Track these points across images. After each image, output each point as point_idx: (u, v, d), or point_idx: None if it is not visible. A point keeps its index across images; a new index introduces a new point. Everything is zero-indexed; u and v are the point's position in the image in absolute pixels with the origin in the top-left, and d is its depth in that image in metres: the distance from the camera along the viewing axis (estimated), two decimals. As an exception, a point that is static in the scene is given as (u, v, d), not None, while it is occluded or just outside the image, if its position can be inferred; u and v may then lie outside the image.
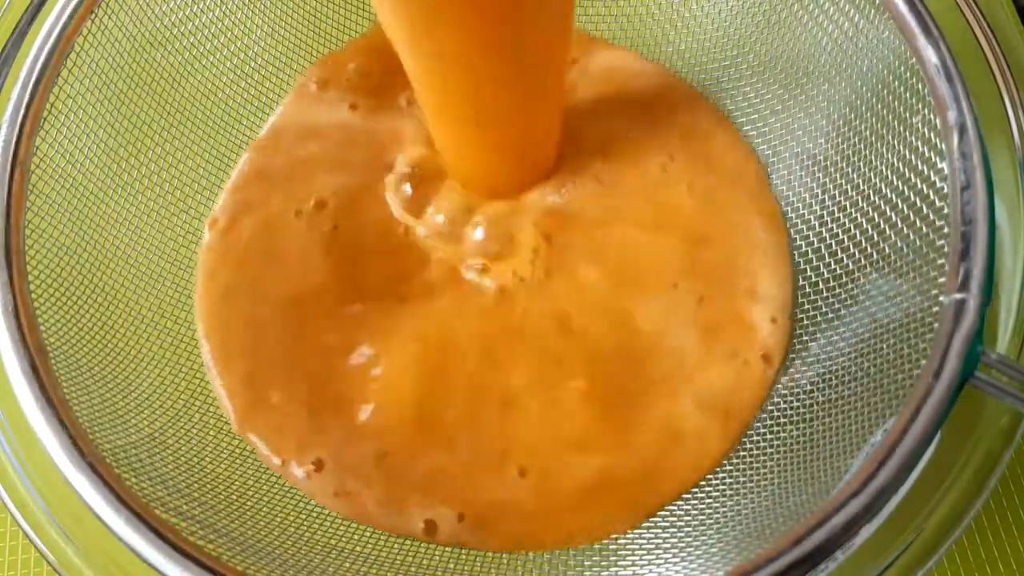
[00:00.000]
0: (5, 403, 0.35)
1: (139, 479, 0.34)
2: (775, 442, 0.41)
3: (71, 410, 0.33)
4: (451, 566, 0.39)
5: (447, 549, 0.40)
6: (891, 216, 0.40)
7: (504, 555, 0.40)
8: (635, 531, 0.39)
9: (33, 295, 0.35)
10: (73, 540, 0.35)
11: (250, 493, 0.39)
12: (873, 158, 0.41)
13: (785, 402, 0.42)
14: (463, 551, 0.39)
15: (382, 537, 0.39)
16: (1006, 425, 0.35)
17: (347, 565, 0.37)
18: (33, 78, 0.37)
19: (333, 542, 0.39)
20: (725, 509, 0.39)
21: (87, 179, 0.40)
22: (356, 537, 0.39)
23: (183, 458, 0.38)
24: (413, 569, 0.38)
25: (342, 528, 0.39)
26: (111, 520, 0.31)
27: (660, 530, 0.39)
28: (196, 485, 0.37)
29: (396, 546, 0.39)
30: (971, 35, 0.40)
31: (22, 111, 0.37)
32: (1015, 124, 0.39)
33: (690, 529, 0.39)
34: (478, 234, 0.45)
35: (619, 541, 0.40)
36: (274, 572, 0.34)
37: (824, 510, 0.31)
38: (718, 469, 0.41)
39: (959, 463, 0.35)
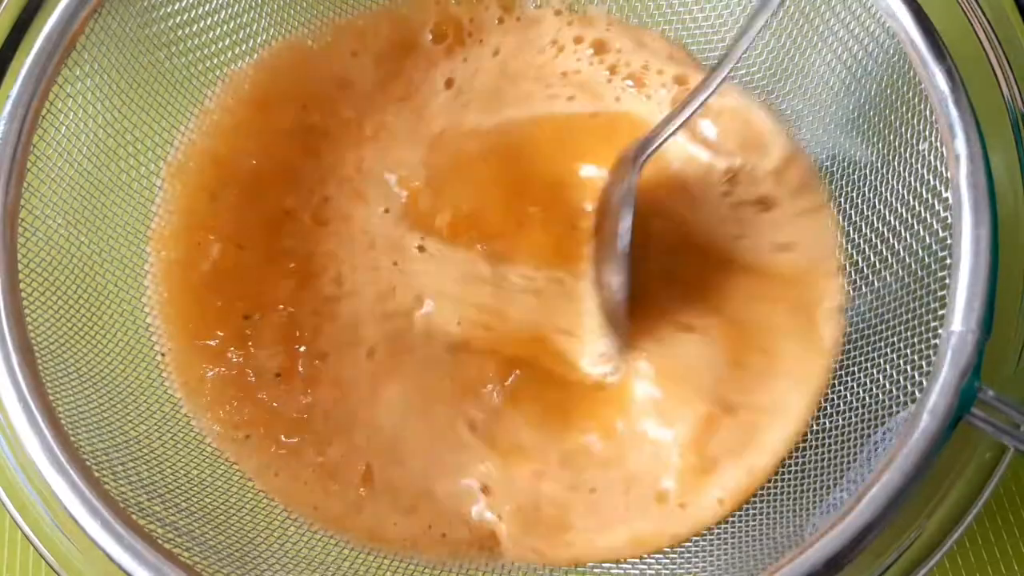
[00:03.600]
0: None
1: (118, 482, 0.34)
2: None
3: (54, 411, 0.33)
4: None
5: (429, 567, 0.39)
6: (894, 244, 0.39)
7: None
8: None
9: (23, 292, 0.35)
10: (72, 541, 0.35)
11: (231, 501, 0.39)
12: (878, 184, 0.40)
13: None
14: (444, 569, 0.39)
15: (362, 553, 0.39)
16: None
17: (328, 576, 0.37)
18: (34, 75, 0.37)
19: (314, 554, 0.38)
20: (705, 543, 0.38)
21: (83, 178, 0.40)
22: (337, 551, 0.39)
23: (167, 463, 0.38)
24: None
25: (323, 541, 0.39)
26: (86, 523, 0.31)
27: (645, 554, 0.39)
28: (177, 491, 0.37)
29: (379, 561, 0.39)
30: (972, 32, 0.39)
31: (21, 109, 0.37)
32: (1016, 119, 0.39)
33: (667, 562, 0.38)
34: None
35: (603, 565, 0.39)
36: (250, 580, 0.34)
37: (806, 547, 0.31)
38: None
39: (960, 463, 0.34)
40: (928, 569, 0.34)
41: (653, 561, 0.38)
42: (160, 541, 0.32)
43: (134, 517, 0.32)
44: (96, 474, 0.33)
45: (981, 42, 0.40)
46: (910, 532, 0.34)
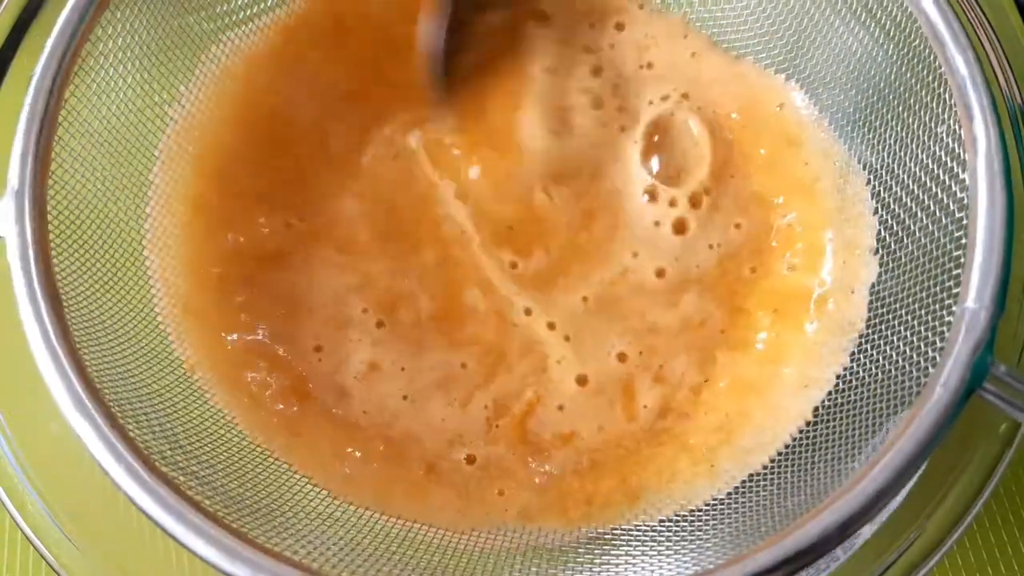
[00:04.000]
0: (7, 381, 0.37)
1: (142, 431, 0.34)
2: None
3: (80, 357, 0.33)
4: (446, 542, 0.39)
5: (442, 530, 0.40)
6: (909, 224, 0.40)
7: (496, 538, 0.40)
8: (631, 522, 0.40)
9: (52, 243, 0.36)
10: (72, 540, 0.36)
11: (250, 457, 0.39)
12: (895, 166, 0.41)
13: (790, 403, 0.42)
14: (457, 532, 0.40)
15: (375, 514, 0.40)
16: (1007, 428, 0.35)
17: (340, 533, 0.37)
18: (68, 30, 0.38)
19: (329, 511, 0.39)
20: (722, 507, 0.39)
21: (111, 135, 0.41)
22: (352, 511, 0.40)
23: (188, 416, 0.39)
24: (405, 543, 0.38)
25: (337, 500, 0.40)
26: (111, 468, 0.32)
27: (656, 523, 0.39)
28: (198, 442, 0.38)
29: (389, 522, 0.40)
30: (972, 32, 0.40)
31: (54, 62, 0.37)
32: (1016, 117, 0.39)
33: (686, 524, 0.39)
34: None
35: (614, 531, 0.40)
36: (269, 531, 0.34)
37: (819, 511, 0.31)
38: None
39: (960, 462, 0.35)
40: (928, 569, 0.35)
41: (665, 528, 0.39)
42: (183, 489, 0.32)
43: (158, 464, 0.32)
44: (120, 421, 0.33)
45: (981, 42, 0.41)
46: (910, 532, 0.35)
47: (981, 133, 0.35)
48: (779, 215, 0.45)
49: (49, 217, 0.36)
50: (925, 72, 0.38)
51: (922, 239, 0.38)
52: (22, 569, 0.43)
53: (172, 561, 0.36)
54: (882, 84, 0.41)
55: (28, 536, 0.36)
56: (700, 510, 0.39)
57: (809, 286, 0.43)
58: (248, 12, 0.46)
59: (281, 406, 0.43)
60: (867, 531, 0.36)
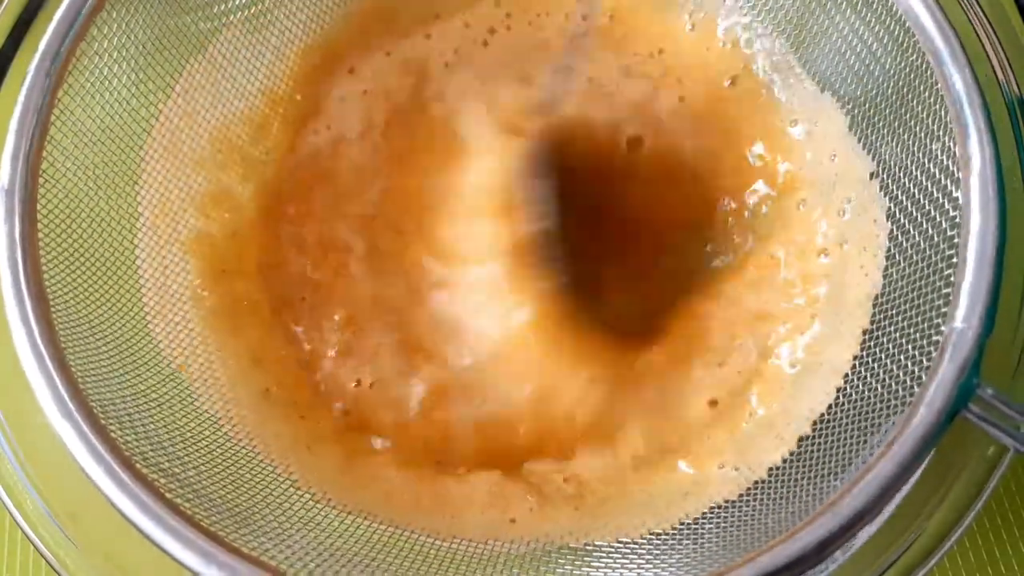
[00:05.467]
0: (7, 380, 0.37)
1: (124, 432, 0.34)
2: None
3: (65, 359, 0.33)
4: (425, 549, 0.39)
5: (425, 536, 0.40)
6: (901, 241, 0.39)
7: (479, 546, 0.40)
8: (612, 534, 0.39)
9: (41, 243, 0.36)
10: (71, 540, 0.36)
11: (232, 459, 0.39)
12: (889, 182, 0.41)
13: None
14: (440, 538, 0.40)
15: (357, 518, 0.40)
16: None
17: (322, 538, 0.37)
18: (63, 30, 0.38)
19: (310, 515, 0.39)
20: (703, 520, 0.39)
21: (105, 135, 0.41)
22: (334, 515, 0.40)
23: (171, 418, 0.39)
24: (384, 550, 0.38)
25: (319, 504, 0.40)
26: (91, 470, 0.32)
27: (637, 536, 0.39)
28: (180, 443, 0.38)
29: (369, 528, 0.40)
30: (972, 31, 0.40)
31: (46, 62, 0.37)
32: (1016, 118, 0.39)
33: (667, 537, 0.39)
34: None
35: (597, 544, 0.39)
36: (247, 535, 0.34)
37: (798, 529, 0.31)
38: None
39: (959, 464, 0.35)
40: (928, 569, 0.35)
41: (646, 541, 0.39)
42: (163, 491, 0.32)
43: (138, 466, 0.33)
44: (103, 422, 0.33)
45: (981, 42, 0.40)
46: (910, 532, 0.35)
47: (976, 152, 0.34)
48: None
49: (39, 216, 0.36)
50: (922, 88, 0.38)
51: (913, 256, 0.38)
52: (22, 569, 0.43)
53: (172, 561, 0.36)
54: (878, 98, 0.41)
55: (28, 536, 0.36)
56: (683, 523, 0.39)
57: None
58: (246, 12, 0.46)
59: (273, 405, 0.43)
60: (866, 532, 0.35)
